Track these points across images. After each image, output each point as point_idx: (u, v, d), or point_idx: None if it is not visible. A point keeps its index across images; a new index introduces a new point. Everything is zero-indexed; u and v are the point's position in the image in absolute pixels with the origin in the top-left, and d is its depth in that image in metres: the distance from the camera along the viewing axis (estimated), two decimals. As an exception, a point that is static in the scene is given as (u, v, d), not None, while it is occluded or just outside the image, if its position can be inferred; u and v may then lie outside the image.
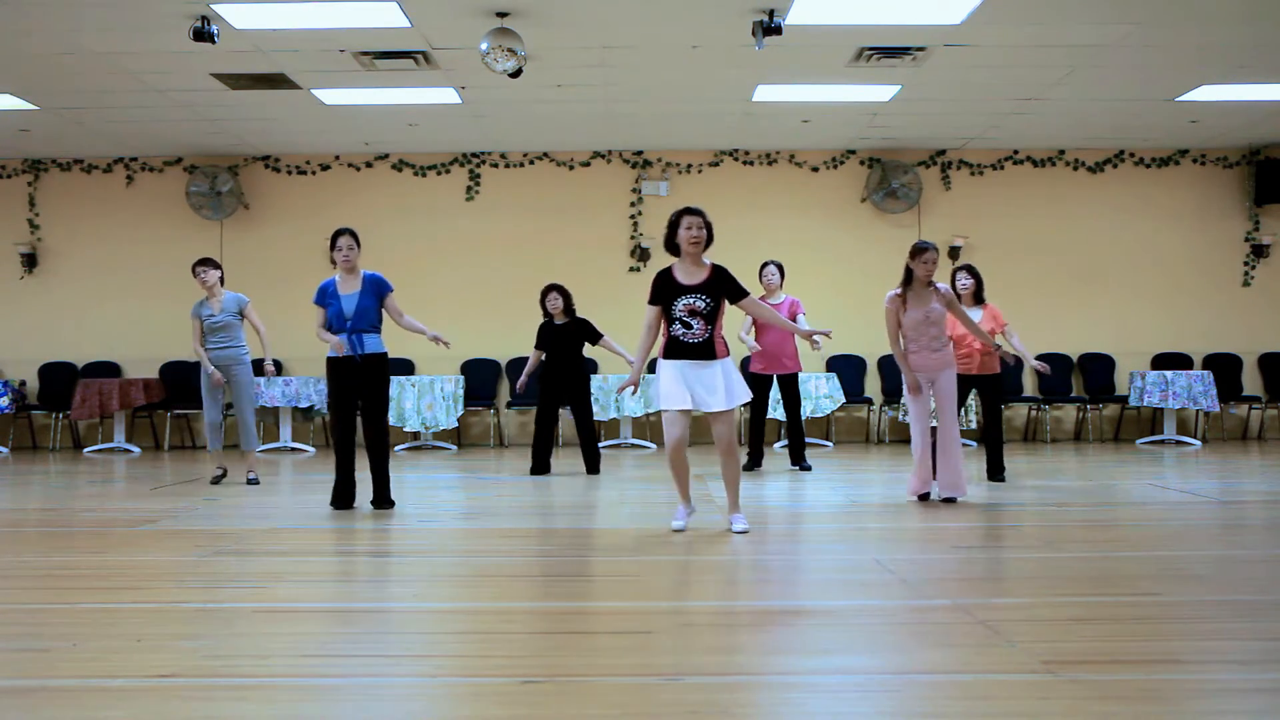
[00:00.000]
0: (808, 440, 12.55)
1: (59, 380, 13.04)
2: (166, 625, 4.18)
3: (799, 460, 9.71)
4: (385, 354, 7.23)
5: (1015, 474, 9.33)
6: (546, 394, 9.51)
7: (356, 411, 7.27)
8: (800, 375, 12.09)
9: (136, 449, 12.56)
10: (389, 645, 3.95)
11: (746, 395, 6.09)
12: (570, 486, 8.57)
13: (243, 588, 4.92)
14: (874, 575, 5.01)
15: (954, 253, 12.98)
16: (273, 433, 12.72)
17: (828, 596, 4.70)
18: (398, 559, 5.68)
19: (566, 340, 9.48)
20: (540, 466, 9.47)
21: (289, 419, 12.47)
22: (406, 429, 12.25)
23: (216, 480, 8.77)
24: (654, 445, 12.55)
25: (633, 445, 12.43)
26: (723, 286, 6.07)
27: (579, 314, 9.64)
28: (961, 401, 8.46)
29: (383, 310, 7.27)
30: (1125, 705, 3.09)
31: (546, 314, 9.60)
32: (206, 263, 8.78)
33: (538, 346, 9.59)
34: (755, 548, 5.96)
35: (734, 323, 8.09)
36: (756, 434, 9.67)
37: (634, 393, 6.27)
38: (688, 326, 5.98)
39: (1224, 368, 13.00)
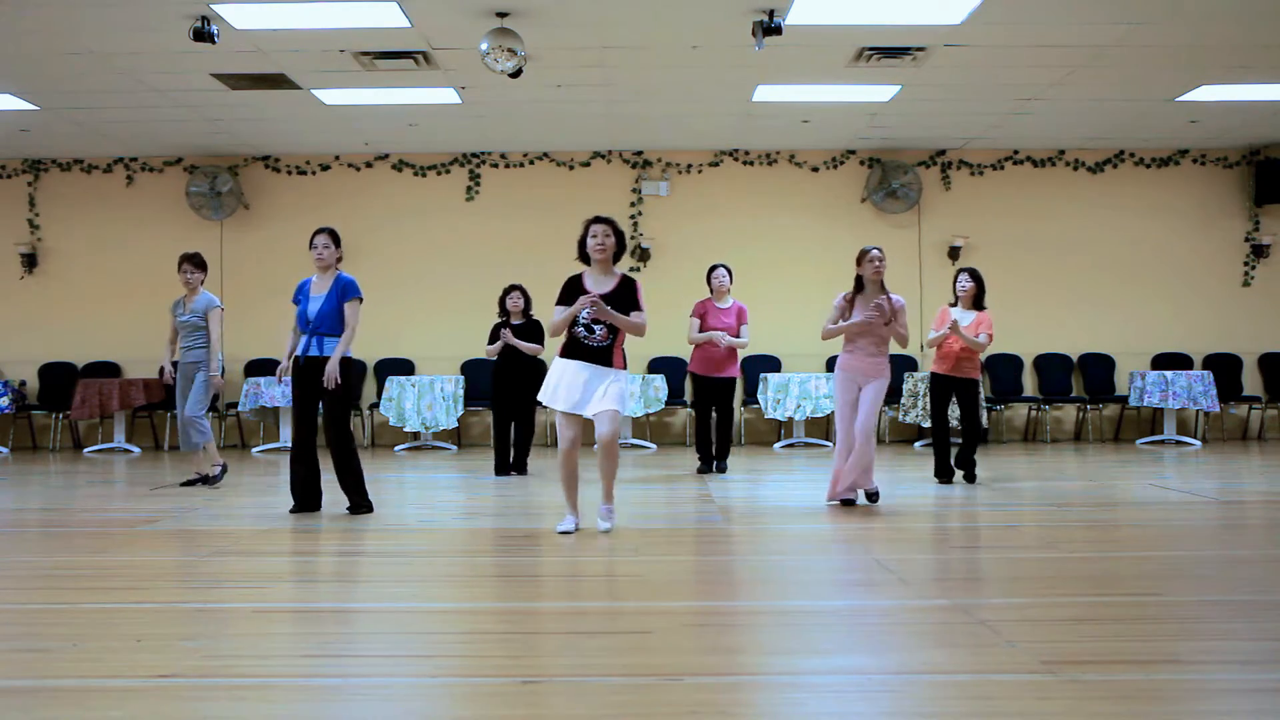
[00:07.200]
0: (809, 440, 12.57)
1: (59, 380, 13.04)
2: (166, 625, 4.18)
3: (722, 458, 9.56)
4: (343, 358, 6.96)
5: (1015, 474, 9.34)
6: (503, 395, 9.49)
7: (317, 414, 7.10)
8: (800, 376, 12.23)
9: (136, 449, 12.55)
10: (389, 645, 3.95)
11: (625, 409, 6.07)
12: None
13: (243, 588, 4.92)
14: (874, 575, 5.01)
15: (954, 253, 12.99)
16: (273, 433, 12.72)
17: (828, 596, 4.70)
18: (397, 559, 5.68)
19: (523, 340, 9.43)
20: (503, 467, 9.49)
21: (290, 419, 12.43)
22: (406, 429, 12.25)
23: (217, 479, 8.68)
24: (654, 445, 12.55)
25: (633, 445, 12.42)
26: (627, 298, 6.07)
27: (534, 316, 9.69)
28: (945, 403, 8.48)
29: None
30: (1125, 705, 3.09)
31: (504, 313, 9.59)
32: (192, 260, 8.56)
33: (491, 344, 9.53)
34: (755, 548, 5.97)
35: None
36: (703, 438, 9.56)
37: (590, 307, 5.92)
38: (590, 332, 6.02)
39: (1224, 368, 12.99)
